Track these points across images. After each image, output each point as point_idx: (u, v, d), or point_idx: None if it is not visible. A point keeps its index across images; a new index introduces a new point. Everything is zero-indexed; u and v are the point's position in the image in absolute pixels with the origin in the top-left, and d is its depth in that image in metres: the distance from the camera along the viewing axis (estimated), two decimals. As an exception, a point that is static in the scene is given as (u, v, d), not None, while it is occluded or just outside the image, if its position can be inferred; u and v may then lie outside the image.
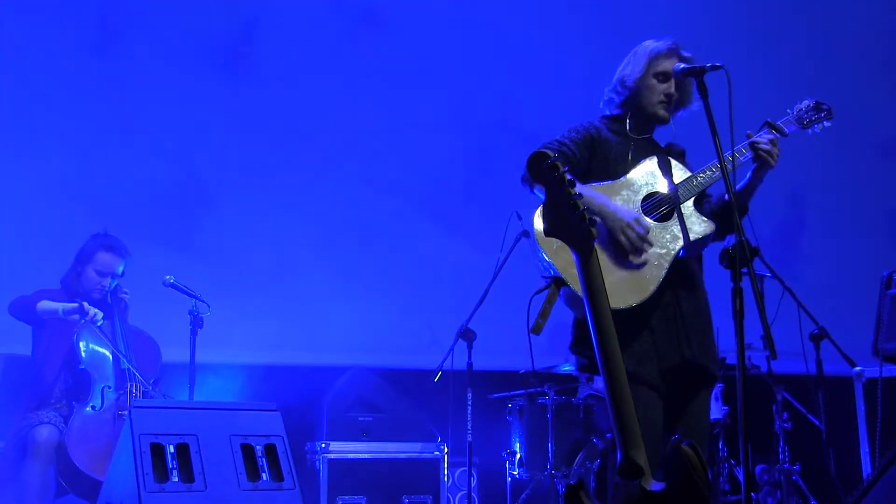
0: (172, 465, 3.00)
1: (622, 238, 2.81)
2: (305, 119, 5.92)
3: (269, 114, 5.86)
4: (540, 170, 2.27)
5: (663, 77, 3.03)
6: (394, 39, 6.15)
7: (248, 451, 3.18)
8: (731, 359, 5.14)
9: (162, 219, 5.50)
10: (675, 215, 2.92)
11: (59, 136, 5.43)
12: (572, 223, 2.24)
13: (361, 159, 6.00)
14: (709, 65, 2.84)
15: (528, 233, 4.96)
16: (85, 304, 4.03)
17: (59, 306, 4.03)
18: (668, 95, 3.03)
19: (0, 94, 5.34)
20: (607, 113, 3.17)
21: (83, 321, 4.03)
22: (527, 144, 3.00)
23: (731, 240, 2.77)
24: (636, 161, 3.01)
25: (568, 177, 2.25)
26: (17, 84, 5.41)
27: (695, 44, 3.12)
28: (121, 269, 4.27)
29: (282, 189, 5.79)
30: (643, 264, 2.83)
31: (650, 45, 3.07)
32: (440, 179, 6.06)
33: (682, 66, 2.95)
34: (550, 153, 2.29)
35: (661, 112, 3.05)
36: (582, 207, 2.23)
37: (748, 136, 2.98)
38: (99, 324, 4.07)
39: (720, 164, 2.73)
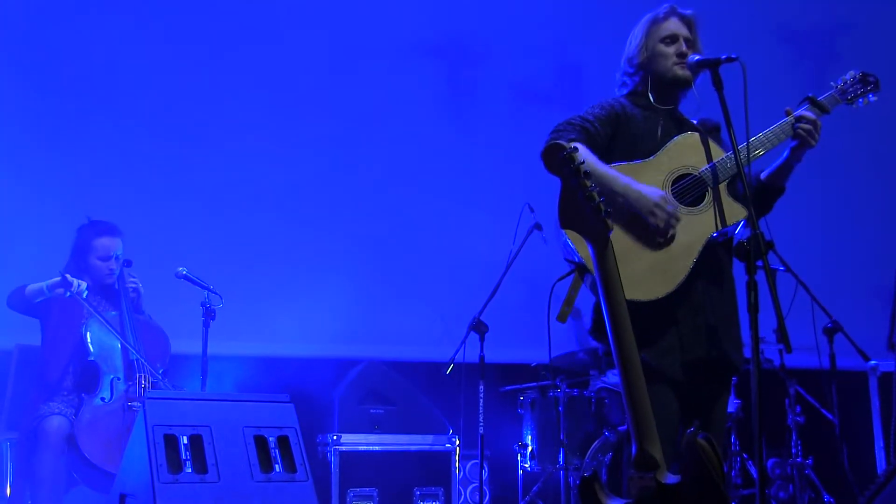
0: (186, 456, 3.01)
1: (651, 219, 2.73)
2: (318, 110, 5.92)
3: (282, 105, 5.86)
4: (555, 161, 2.27)
5: (670, 39, 2.99)
6: (402, 29, 6.14)
7: (261, 442, 3.18)
8: (744, 352, 5.12)
9: (174, 210, 5.51)
10: (706, 200, 2.84)
11: (68, 129, 5.43)
12: (587, 215, 2.23)
13: (373, 151, 5.99)
14: (724, 56, 2.79)
15: (540, 225, 4.96)
16: (67, 275, 3.95)
17: (44, 284, 3.97)
18: (680, 55, 2.96)
19: (6, 88, 5.35)
20: (626, 92, 3.09)
21: (68, 294, 3.96)
22: (540, 135, 2.98)
23: (745, 233, 2.75)
24: (667, 136, 2.93)
25: (584, 169, 2.24)
26: (23, 78, 5.40)
27: (710, 32, 3.09)
28: (120, 249, 4.25)
29: (295, 181, 5.78)
30: (671, 246, 2.76)
31: (647, 16, 3.05)
32: (451, 171, 6.05)
33: (697, 57, 2.92)
34: (565, 144, 2.28)
35: (680, 72, 2.96)
36: (597, 199, 2.22)
37: (787, 113, 2.91)
38: (84, 295, 3.98)
39: (736, 159, 2.69)
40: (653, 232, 2.75)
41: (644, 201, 2.74)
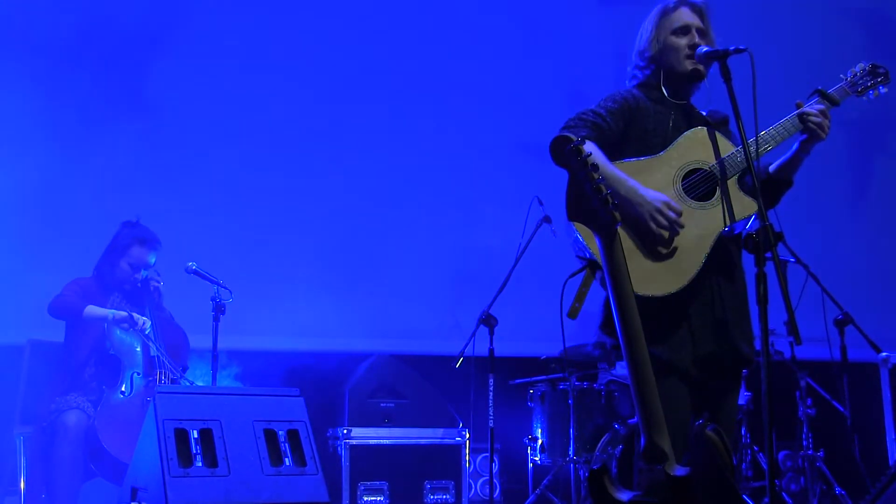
0: (196, 450, 3.02)
1: (652, 225, 2.68)
2: (327, 107, 5.92)
3: (290, 101, 5.87)
4: (562, 154, 2.27)
5: (682, 31, 2.92)
6: (410, 28, 6.13)
7: (271, 436, 3.20)
8: (755, 344, 5.11)
9: (184, 205, 5.53)
10: (716, 195, 2.81)
11: (86, 125, 5.46)
12: (595, 208, 2.23)
13: (382, 145, 5.99)
14: (732, 48, 2.76)
15: (549, 218, 4.95)
16: (135, 314, 4.07)
17: (109, 313, 4.05)
18: (692, 47, 2.89)
19: (31, 86, 5.37)
20: (637, 84, 3.03)
21: (132, 331, 4.07)
22: (548, 130, 2.97)
23: (754, 224, 2.74)
24: (677, 130, 2.89)
25: (591, 161, 2.24)
26: (30, 74, 5.42)
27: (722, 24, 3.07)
28: (152, 260, 4.31)
29: (304, 175, 5.79)
30: (675, 250, 2.72)
31: (657, 7, 2.99)
32: (461, 165, 6.05)
33: (705, 49, 2.89)
34: (573, 136, 2.28)
35: (691, 66, 2.90)
36: (605, 192, 2.21)
37: (798, 106, 2.87)
38: (147, 332, 4.09)
39: (745, 151, 2.66)
40: (654, 239, 2.71)
41: (646, 206, 2.69)
